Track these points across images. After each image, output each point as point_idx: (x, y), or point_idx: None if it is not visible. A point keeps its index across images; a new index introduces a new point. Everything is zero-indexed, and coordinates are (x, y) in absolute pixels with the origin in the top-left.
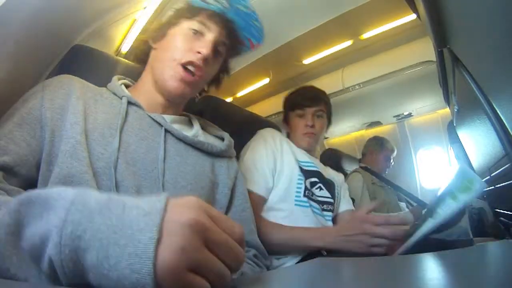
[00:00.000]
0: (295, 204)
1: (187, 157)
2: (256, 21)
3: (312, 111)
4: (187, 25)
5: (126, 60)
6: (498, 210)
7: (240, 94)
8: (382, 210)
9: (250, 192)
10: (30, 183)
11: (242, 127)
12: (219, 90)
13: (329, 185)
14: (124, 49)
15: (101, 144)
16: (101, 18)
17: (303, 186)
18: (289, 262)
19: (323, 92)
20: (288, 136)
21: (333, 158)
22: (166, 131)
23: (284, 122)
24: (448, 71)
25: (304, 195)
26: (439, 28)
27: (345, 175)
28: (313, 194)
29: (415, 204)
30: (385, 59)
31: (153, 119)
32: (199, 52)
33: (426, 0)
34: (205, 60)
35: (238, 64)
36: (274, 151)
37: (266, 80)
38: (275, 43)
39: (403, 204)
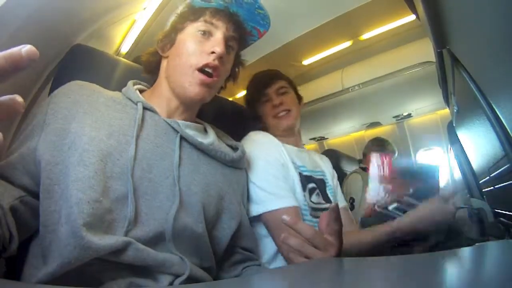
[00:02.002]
0: (305, 220)
1: (199, 165)
2: (260, 9)
3: (273, 91)
4: (194, 28)
5: (126, 60)
6: (498, 210)
7: (240, 94)
8: None
9: (279, 211)
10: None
11: (243, 125)
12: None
13: (323, 187)
14: (124, 49)
15: (117, 150)
16: (101, 18)
17: (307, 205)
18: None
19: (275, 71)
20: (263, 127)
21: (332, 158)
22: (181, 137)
23: (256, 120)
24: (448, 72)
25: (310, 214)
26: (439, 29)
27: (345, 175)
28: (315, 209)
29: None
30: (384, 60)
31: (168, 124)
32: (213, 52)
33: (425, 0)
34: (220, 58)
35: None
36: (281, 157)
37: None
38: (275, 44)
39: None
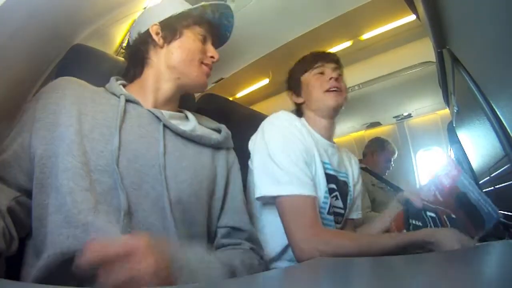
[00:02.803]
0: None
1: (185, 152)
2: (227, 31)
3: (332, 66)
4: (198, 30)
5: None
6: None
7: (239, 94)
8: (381, 211)
9: (297, 197)
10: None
11: (243, 124)
12: (219, 89)
13: (343, 192)
14: None
15: (101, 142)
16: (101, 18)
17: (328, 201)
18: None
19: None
20: (299, 110)
21: None
22: (165, 126)
23: (292, 91)
24: (448, 71)
25: (329, 212)
26: (439, 29)
27: None
28: (334, 207)
29: None
30: (384, 60)
31: (152, 113)
32: (212, 57)
33: (426, 1)
34: (212, 57)
35: (238, 65)
36: (305, 144)
37: (265, 81)
38: (275, 44)
39: None
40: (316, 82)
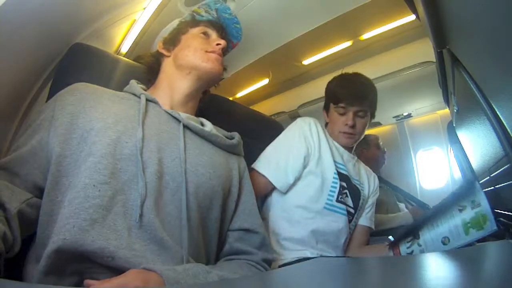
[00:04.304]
0: (325, 207)
1: (204, 149)
2: (236, 23)
3: (354, 110)
4: (195, 31)
5: (126, 59)
6: (498, 210)
7: (239, 94)
8: (381, 211)
9: (262, 176)
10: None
11: (245, 125)
12: (219, 90)
13: (354, 193)
14: (124, 49)
15: (126, 134)
16: (101, 18)
17: (337, 190)
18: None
19: (369, 87)
20: (327, 125)
21: None
22: (184, 126)
23: (324, 110)
24: (448, 71)
25: (337, 200)
26: (438, 29)
27: None
28: (341, 200)
29: (414, 204)
30: (384, 60)
31: (170, 114)
32: (218, 44)
33: (425, 1)
34: (223, 49)
35: (238, 64)
36: (308, 147)
37: (265, 81)
38: (275, 44)
39: (402, 205)
40: (335, 119)
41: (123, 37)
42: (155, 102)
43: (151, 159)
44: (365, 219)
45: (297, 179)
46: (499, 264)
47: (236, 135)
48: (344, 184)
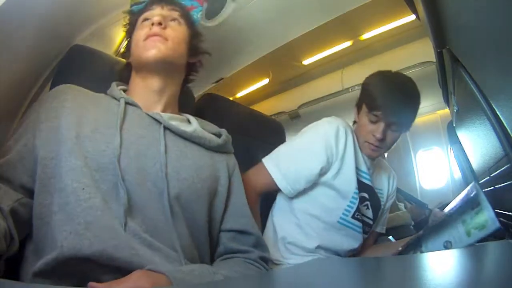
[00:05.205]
0: (338, 222)
1: (186, 151)
2: None
3: (388, 122)
4: (139, 23)
5: (125, 60)
6: (498, 211)
7: (239, 94)
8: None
9: (269, 174)
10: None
11: (245, 125)
12: (219, 90)
13: (375, 204)
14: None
15: (103, 142)
16: (101, 18)
17: (355, 206)
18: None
19: (414, 99)
20: (354, 123)
21: None
22: (165, 127)
23: (356, 107)
24: (448, 71)
25: (353, 216)
26: (439, 29)
27: None
28: (362, 215)
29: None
30: (384, 60)
31: (151, 117)
32: (153, 24)
33: (425, 1)
34: (160, 25)
35: (238, 64)
36: (329, 157)
37: (265, 81)
38: (275, 44)
39: (401, 205)
40: (364, 124)
41: (123, 37)
42: (136, 105)
43: (130, 166)
44: (379, 227)
45: (310, 187)
46: (499, 264)
47: (224, 132)
48: (365, 195)
